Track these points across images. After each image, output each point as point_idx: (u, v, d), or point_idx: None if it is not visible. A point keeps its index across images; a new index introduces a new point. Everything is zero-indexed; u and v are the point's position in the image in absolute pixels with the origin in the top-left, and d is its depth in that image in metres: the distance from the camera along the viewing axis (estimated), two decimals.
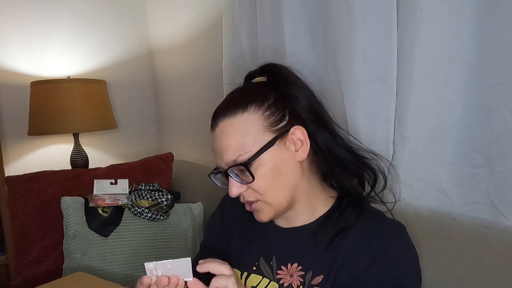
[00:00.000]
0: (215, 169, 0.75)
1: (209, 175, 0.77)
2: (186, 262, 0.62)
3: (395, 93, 0.99)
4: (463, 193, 0.95)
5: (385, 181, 0.77)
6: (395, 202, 0.82)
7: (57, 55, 1.82)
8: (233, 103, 0.72)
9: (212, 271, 0.62)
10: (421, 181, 1.00)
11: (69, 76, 1.75)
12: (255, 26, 1.32)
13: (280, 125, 0.70)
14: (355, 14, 0.99)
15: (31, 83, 1.62)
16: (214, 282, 0.62)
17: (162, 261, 0.61)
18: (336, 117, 1.12)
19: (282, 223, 0.79)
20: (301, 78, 0.76)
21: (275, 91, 0.73)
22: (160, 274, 0.62)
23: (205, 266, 0.63)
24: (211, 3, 1.65)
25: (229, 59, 1.45)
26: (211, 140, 0.74)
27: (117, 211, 1.31)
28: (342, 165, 0.74)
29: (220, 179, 0.77)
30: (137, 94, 2.11)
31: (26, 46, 1.74)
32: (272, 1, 1.23)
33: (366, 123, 1.04)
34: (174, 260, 0.62)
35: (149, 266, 0.61)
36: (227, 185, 0.73)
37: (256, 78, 0.78)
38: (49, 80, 1.64)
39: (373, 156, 0.77)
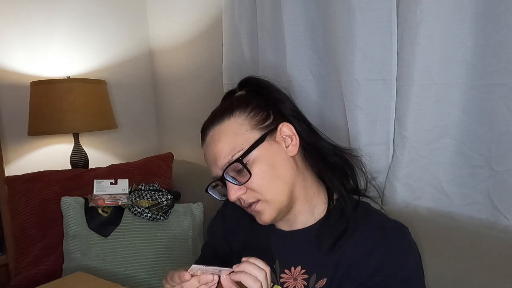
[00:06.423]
0: (211, 182, 0.76)
1: (206, 190, 0.77)
2: (227, 271, 0.62)
3: (395, 93, 0.99)
4: (463, 193, 0.95)
5: (366, 175, 0.79)
6: (381, 197, 0.84)
7: (57, 55, 1.81)
8: (219, 113, 0.75)
9: (247, 271, 0.61)
10: (421, 181, 1.00)
11: (69, 76, 1.75)
12: (255, 26, 1.32)
13: (267, 123, 0.73)
14: (355, 14, 0.99)
15: (31, 83, 1.62)
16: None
17: (210, 266, 0.62)
18: (336, 117, 1.13)
19: (284, 226, 0.79)
20: (276, 84, 0.80)
21: (256, 97, 0.77)
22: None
23: (243, 266, 0.62)
24: (211, 3, 1.65)
25: (229, 59, 1.45)
26: (204, 153, 0.76)
27: (117, 211, 1.31)
28: (327, 157, 0.77)
29: (218, 191, 0.78)
30: (137, 94, 2.11)
31: (26, 46, 1.74)
32: (272, 1, 1.23)
33: (366, 123, 1.04)
34: (221, 268, 0.62)
35: (196, 267, 0.61)
36: (226, 195, 0.73)
37: (237, 93, 0.81)
38: (49, 80, 1.64)
39: (349, 152, 0.80)
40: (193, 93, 1.86)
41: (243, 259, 0.63)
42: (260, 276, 0.60)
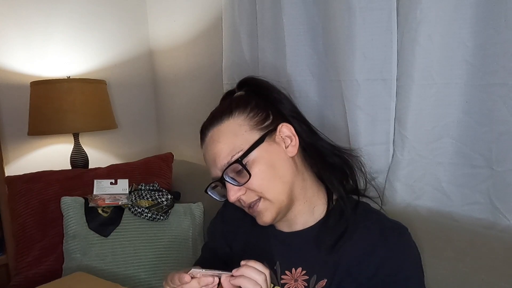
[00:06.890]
0: (211, 183, 0.76)
1: (205, 191, 0.77)
2: (228, 275, 0.63)
3: (395, 93, 0.99)
4: (463, 193, 0.95)
5: (365, 175, 0.80)
6: (380, 197, 0.84)
7: (57, 55, 1.81)
8: (218, 114, 0.74)
9: (246, 275, 0.61)
10: (421, 181, 1.00)
11: (69, 76, 1.75)
12: (255, 26, 1.32)
13: (266, 123, 0.73)
14: (355, 14, 0.99)
15: (31, 83, 1.62)
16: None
17: (210, 270, 0.63)
18: (336, 117, 1.13)
19: (284, 227, 0.78)
20: (275, 84, 0.80)
21: (255, 97, 0.76)
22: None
23: (242, 270, 0.62)
24: (211, 3, 1.65)
25: (229, 59, 1.45)
26: (203, 154, 0.76)
27: (117, 211, 1.31)
28: (326, 157, 0.77)
29: (218, 192, 0.78)
30: (137, 94, 2.11)
31: (26, 46, 1.74)
32: (272, 1, 1.23)
33: (366, 123, 1.04)
34: (222, 272, 0.63)
35: (196, 270, 0.62)
36: (226, 195, 0.73)
37: (236, 94, 0.80)
38: (49, 80, 1.64)
39: (349, 152, 0.80)
40: (193, 93, 1.86)
41: (242, 262, 0.62)
42: (260, 279, 0.60)
